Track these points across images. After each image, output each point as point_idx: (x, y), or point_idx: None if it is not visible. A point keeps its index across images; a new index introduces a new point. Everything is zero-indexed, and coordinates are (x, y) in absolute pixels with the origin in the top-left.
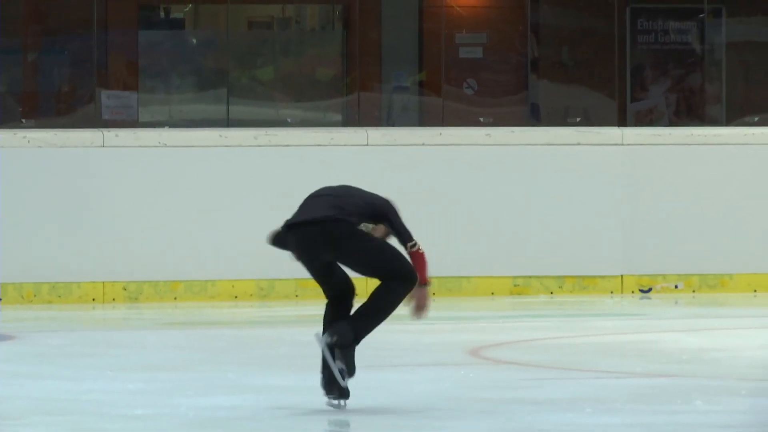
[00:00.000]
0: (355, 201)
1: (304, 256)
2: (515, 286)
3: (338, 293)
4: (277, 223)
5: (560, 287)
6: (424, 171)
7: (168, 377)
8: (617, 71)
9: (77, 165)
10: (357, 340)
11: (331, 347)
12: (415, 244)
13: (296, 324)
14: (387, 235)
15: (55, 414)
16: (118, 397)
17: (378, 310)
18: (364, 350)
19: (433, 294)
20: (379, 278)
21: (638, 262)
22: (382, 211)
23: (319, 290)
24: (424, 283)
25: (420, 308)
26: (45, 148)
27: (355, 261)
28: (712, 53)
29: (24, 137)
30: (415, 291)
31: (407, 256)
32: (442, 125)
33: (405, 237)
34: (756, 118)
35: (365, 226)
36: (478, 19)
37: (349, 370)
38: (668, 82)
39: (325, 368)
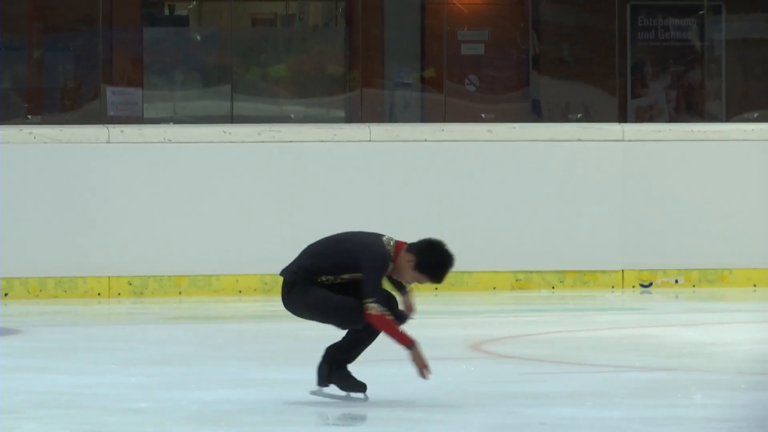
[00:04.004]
0: (334, 254)
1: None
2: (517, 280)
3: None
4: (279, 219)
5: (561, 282)
6: (426, 167)
7: (171, 371)
8: (618, 68)
9: (82, 161)
10: (339, 364)
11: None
12: (370, 303)
13: (299, 319)
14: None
15: (58, 408)
16: (122, 391)
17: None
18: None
19: (436, 288)
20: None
21: (639, 257)
22: (358, 263)
23: None
24: (406, 344)
25: (421, 368)
26: (50, 144)
27: (300, 315)
28: (711, 50)
29: (30, 133)
30: (409, 356)
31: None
32: (444, 121)
33: (366, 294)
34: (755, 114)
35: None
36: (479, 16)
37: (357, 387)
38: (668, 78)
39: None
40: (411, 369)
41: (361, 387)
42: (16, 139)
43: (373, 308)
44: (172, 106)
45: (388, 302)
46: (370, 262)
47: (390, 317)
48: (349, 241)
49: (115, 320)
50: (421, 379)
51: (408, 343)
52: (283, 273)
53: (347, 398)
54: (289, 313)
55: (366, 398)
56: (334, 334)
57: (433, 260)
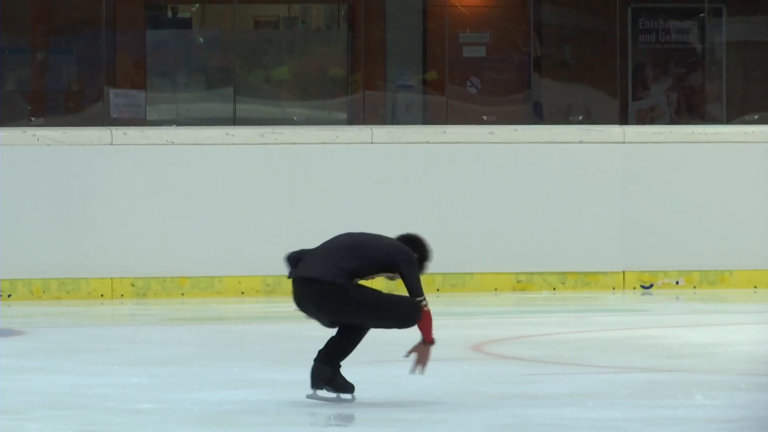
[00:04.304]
0: (365, 254)
1: (301, 309)
2: (518, 282)
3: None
4: (281, 220)
5: (563, 283)
6: (428, 168)
7: (174, 372)
8: (619, 70)
9: (86, 163)
10: (334, 366)
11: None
12: (423, 301)
13: (301, 320)
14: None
15: (61, 408)
16: (125, 392)
17: (355, 337)
18: (368, 346)
19: (437, 290)
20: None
21: (640, 259)
22: (395, 262)
23: None
24: (429, 341)
25: (421, 364)
26: (54, 146)
27: (347, 320)
28: (712, 52)
29: (33, 135)
30: (418, 347)
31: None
32: (446, 123)
33: (415, 292)
34: (756, 117)
35: (387, 276)
36: (481, 19)
37: (346, 389)
38: (669, 80)
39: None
40: (414, 368)
41: (349, 388)
42: (19, 141)
43: (427, 304)
44: (175, 108)
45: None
46: (407, 261)
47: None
48: (373, 242)
49: (118, 321)
50: (413, 376)
51: (432, 339)
52: (312, 274)
53: (337, 399)
54: (291, 315)
55: (353, 399)
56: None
57: (425, 255)
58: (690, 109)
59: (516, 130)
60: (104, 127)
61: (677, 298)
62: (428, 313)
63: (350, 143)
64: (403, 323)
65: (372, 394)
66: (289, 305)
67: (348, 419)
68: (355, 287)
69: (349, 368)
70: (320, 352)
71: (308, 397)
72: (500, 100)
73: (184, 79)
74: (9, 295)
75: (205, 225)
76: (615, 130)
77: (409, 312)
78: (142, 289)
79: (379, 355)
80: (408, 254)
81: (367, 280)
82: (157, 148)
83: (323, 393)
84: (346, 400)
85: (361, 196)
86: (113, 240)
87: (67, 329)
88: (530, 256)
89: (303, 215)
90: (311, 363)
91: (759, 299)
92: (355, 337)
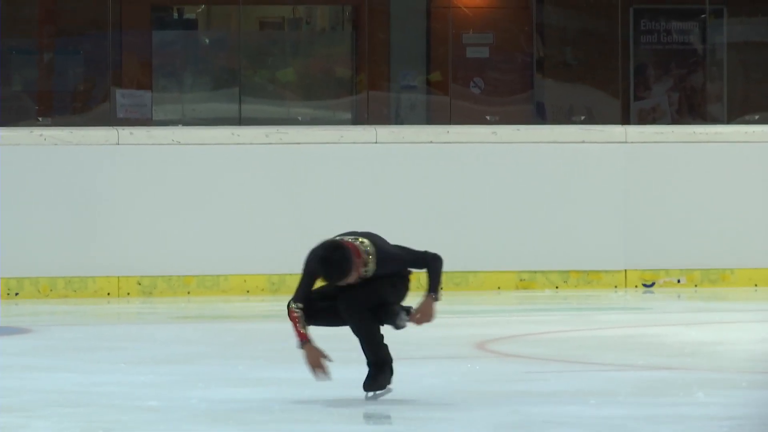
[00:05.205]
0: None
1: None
2: (521, 280)
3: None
4: (286, 220)
5: (565, 282)
6: (432, 168)
7: (180, 370)
8: (620, 71)
9: (92, 162)
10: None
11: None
12: (289, 306)
13: None
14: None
15: (68, 406)
16: (131, 390)
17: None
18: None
19: (441, 288)
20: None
21: (641, 257)
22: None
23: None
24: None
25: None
26: (61, 146)
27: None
28: (713, 53)
29: (40, 135)
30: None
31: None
32: (450, 123)
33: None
34: (756, 117)
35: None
36: (484, 20)
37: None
38: (670, 81)
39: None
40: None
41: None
42: (26, 141)
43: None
44: (181, 108)
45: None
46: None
47: (296, 313)
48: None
49: (125, 320)
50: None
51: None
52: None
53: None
54: None
55: (374, 397)
56: (342, 334)
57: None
58: (691, 109)
59: (519, 130)
60: (110, 127)
61: (679, 297)
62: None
63: (354, 143)
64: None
65: (376, 392)
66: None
67: (352, 417)
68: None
69: (353, 367)
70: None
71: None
72: (503, 100)
73: (190, 80)
74: (16, 294)
75: (211, 224)
76: (617, 130)
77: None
78: (148, 287)
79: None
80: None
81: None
82: (163, 148)
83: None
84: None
85: (365, 195)
86: (119, 239)
87: (73, 327)
88: (533, 254)
89: (308, 214)
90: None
91: (760, 298)
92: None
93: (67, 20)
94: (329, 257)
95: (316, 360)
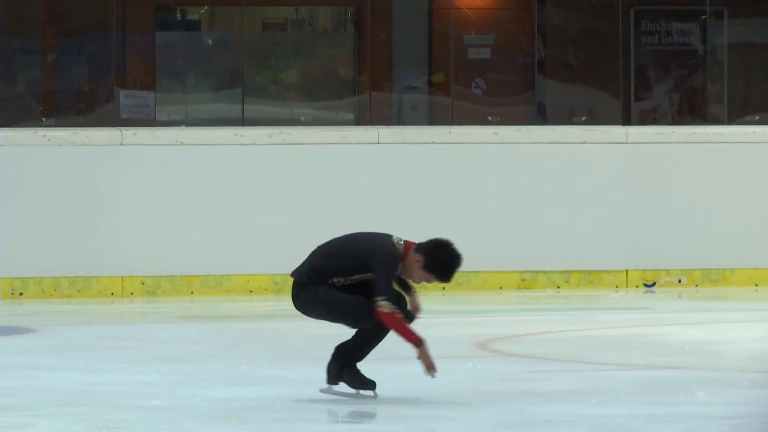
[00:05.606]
0: (344, 254)
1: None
2: (523, 280)
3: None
4: (289, 220)
5: (566, 282)
6: (434, 168)
7: (183, 369)
8: (621, 71)
9: (96, 163)
10: (349, 362)
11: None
12: (380, 301)
13: (309, 318)
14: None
15: (72, 405)
16: (135, 389)
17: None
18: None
19: (443, 288)
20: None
21: (642, 257)
22: (370, 262)
23: None
24: (414, 343)
25: (428, 367)
26: (64, 147)
27: (312, 316)
28: (714, 54)
29: (44, 136)
30: (417, 354)
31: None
32: (452, 124)
33: (377, 292)
34: (757, 117)
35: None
36: (485, 21)
37: (367, 384)
38: (671, 81)
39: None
40: (419, 367)
41: (370, 385)
42: (30, 142)
43: (384, 306)
44: (184, 108)
45: (398, 301)
46: (381, 262)
47: (400, 315)
48: (358, 241)
49: (128, 319)
50: (428, 377)
51: (416, 341)
52: (294, 274)
53: (357, 396)
54: (299, 313)
55: (375, 396)
56: (345, 332)
57: (441, 260)
58: (692, 109)
59: (520, 130)
60: (114, 128)
61: (679, 297)
62: (390, 315)
63: (357, 143)
64: (354, 322)
65: (379, 391)
66: None
67: (355, 416)
68: (325, 287)
69: (358, 365)
70: (337, 350)
71: (322, 391)
72: (505, 101)
73: (193, 81)
74: (21, 294)
75: (214, 224)
76: (618, 131)
77: (360, 311)
78: (151, 287)
79: (386, 353)
80: (385, 256)
81: (354, 280)
82: (166, 148)
83: (338, 388)
84: (367, 396)
85: (367, 196)
86: (123, 239)
87: (77, 327)
88: (534, 254)
89: (310, 214)
90: (320, 360)
91: (760, 297)
92: (372, 339)
93: (70, 21)
94: (459, 254)
95: (432, 359)
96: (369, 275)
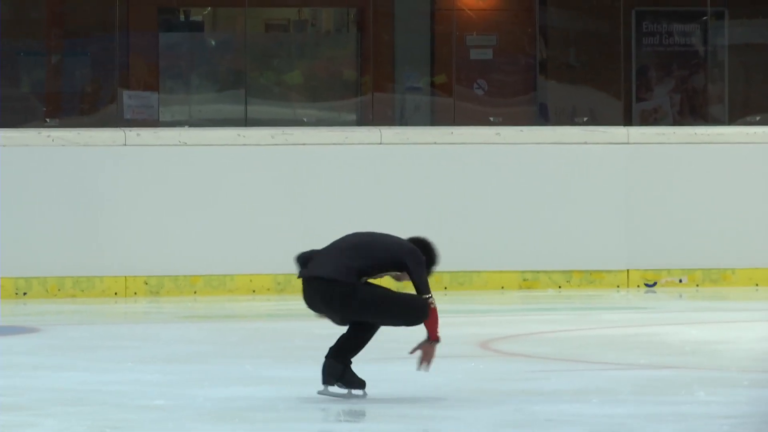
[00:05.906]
0: (373, 253)
1: (311, 309)
2: (524, 280)
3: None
4: (292, 220)
5: (568, 281)
6: (436, 169)
7: (186, 369)
8: (623, 72)
9: (99, 163)
10: (345, 362)
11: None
12: (430, 298)
13: (311, 317)
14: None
15: (76, 405)
16: (138, 388)
17: (366, 334)
18: (375, 343)
19: (445, 288)
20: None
21: (643, 257)
22: (402, 260)
23: None
24: (435, 339)
25: (426, 361)
26: (68, 147)
27: (356, 318)
28: (714, 55)
29: (48, 136)
30: (424, 345)
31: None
32: (454, 125)
33: (423, 290)
34: (757, 118)
35: (394, 275)
36: (487, 22)
37: (357, 384)
38: (672, 82)
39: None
40: (419, 366)
41: (361, 384)
42: (34, 142)
43: (434, 302)
44: (188, 109)
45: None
46: (416, 261)
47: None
48: (380, 241)
49: (132, 319)
50: (422, 373)
51: (438, 338)
52: (319, 272)
53: (348, 395)
54: (300, 313)
55: (365, 395)
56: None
57: (432, 258)
58: (693, 110)
59: (522, 131)
60: (118, 128)
61: (680, 296)
62: (435, 311)
63: (359, 144)
64: (410, 321)
65: (380, 391)
66: (300, 303)
67: (357, 415)
68: (364, 285)
69: (357, 365)
70: (331, 348)
71: (320, 393)
72: (506, 101)
73: (197, 81)
74: (24, 293)
75: (217, 224)
76: (619, 131)
77: (416, 310)
78: (155, 287)
79: (387, 353)
80: (415, 253)
81: (375, 278)
82: (169, 148)
83: (334, 389)
84: (357, 396)
85: (369, 196)
86: (127, 239)
87: (81, 327)
88: (536, 254)
89: (313, 214)
90: (322, 360)
91: (761, 297)
92: (365, 334)
93: (74, 22)
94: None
95: (434, 357)
96: (394, 273)
